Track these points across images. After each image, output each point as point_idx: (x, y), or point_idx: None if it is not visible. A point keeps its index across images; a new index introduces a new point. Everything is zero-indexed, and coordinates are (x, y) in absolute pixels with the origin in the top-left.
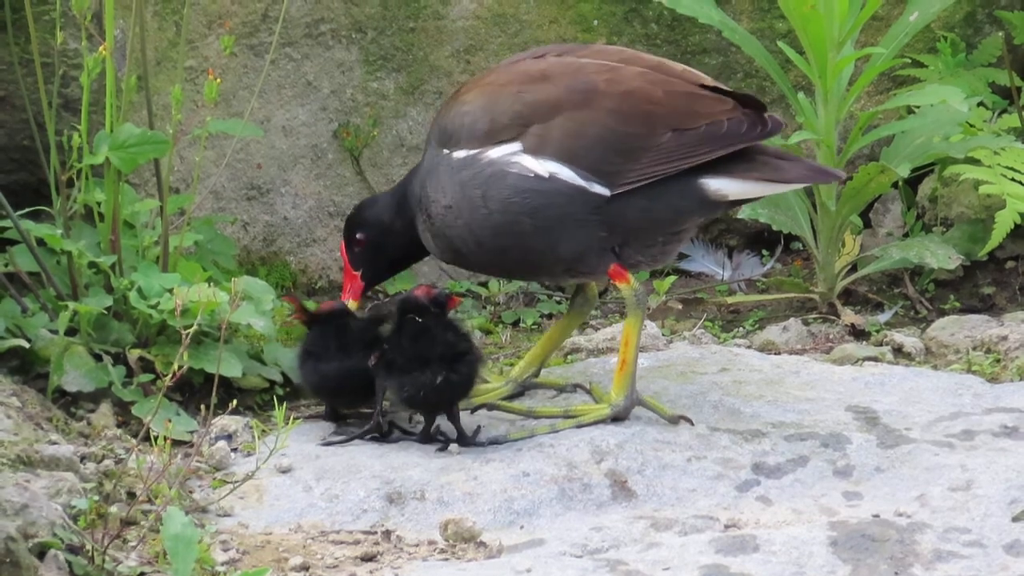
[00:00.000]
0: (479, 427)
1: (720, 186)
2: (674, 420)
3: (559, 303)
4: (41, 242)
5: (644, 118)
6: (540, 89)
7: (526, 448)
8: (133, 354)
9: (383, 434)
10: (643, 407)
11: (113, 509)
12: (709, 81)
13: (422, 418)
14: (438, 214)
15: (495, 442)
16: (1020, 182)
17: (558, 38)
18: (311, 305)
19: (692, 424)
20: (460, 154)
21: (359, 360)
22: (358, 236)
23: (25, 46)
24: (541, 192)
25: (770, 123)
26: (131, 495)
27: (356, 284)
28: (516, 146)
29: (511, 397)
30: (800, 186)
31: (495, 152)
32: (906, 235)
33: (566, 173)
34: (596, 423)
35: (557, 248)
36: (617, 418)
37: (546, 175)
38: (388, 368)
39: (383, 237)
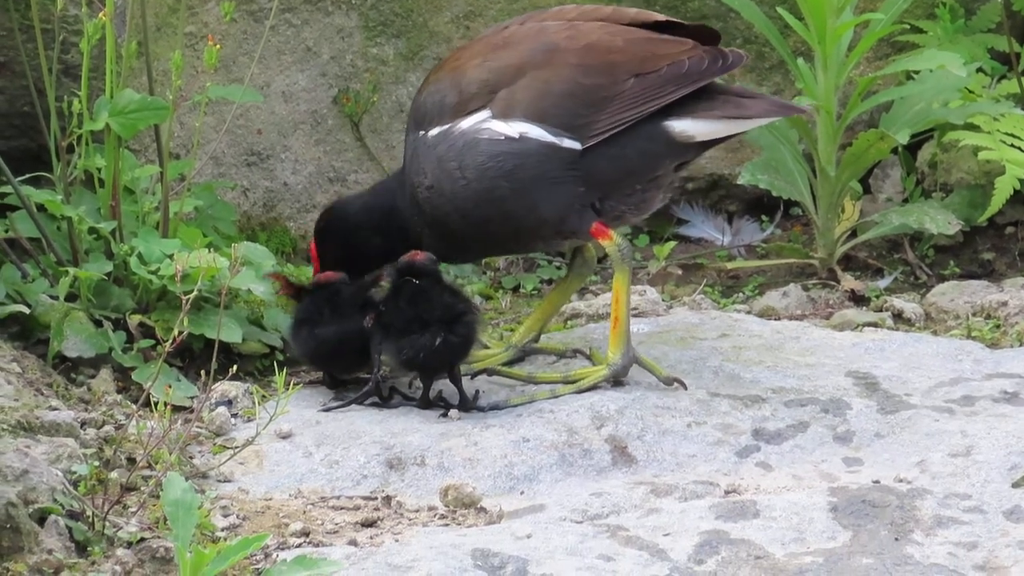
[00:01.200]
0: (478, 392)
1: (685, 127)
2: (668, 382)
3: (559, 268)
4: (41, 208)
5: (606, 68)
6: (504, 55)
7: (526, 414)
8: (133, 320)
9: (383, 399)
10: (639, 366)
11: (113, 475)
12: (661, 17)
13: (421, 383)
14: (425, 199)
15: (495, 407)
16: (1019, 148)
17: (556, 3)
18: (298, 271)
19: (685, 388)
20: (434, 131)
21: (354, 323)
22: (334, 249)
23: (25, 12)
24: (514, 154)
25: (731, 56)
26: (131, 461)
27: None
28: (485, 113)
29: (511, 362)
30: (765, 121)
31: (466, 122)
32: (906, 201)
33: (536, 132)
34: (596, 385)
35: (538, 209)
36: (616, 377)
37: (516, 136)
38: (386, 331)
39: (361, 245)
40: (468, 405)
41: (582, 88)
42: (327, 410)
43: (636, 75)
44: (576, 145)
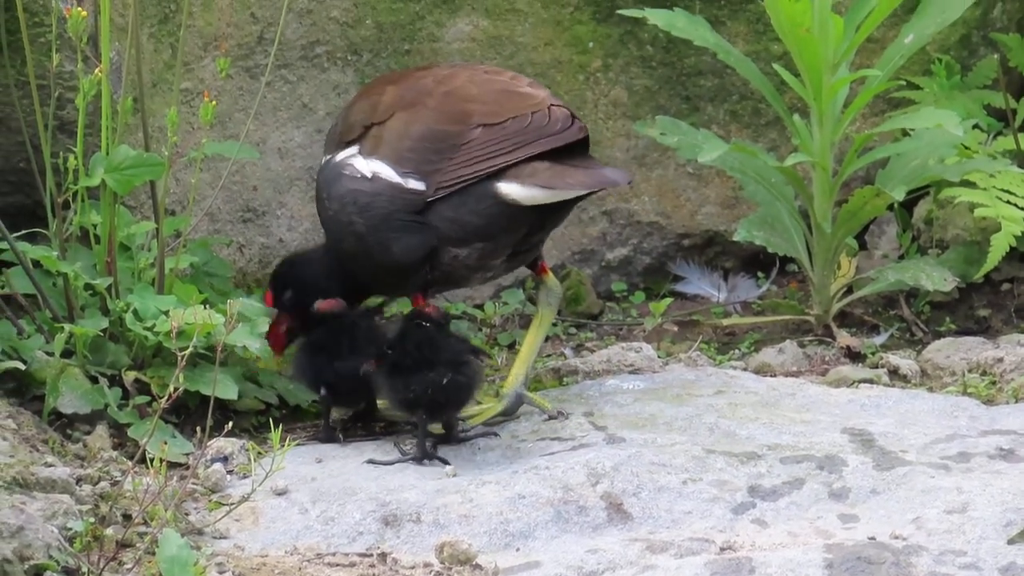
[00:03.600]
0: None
1: (509, 190)
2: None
3: (554, 325)
4: (37, 264)
5: (459, 116)
6: (387, 92)
7: (522, 470)
8: (129, 376)
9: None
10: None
11: (109, 531)
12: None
13: (413, 441)
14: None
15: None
16: (1015, 205)
17: (553, 60)
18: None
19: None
20: (323, 159)
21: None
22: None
23: (21, 68)
24: (366, 191)
25: (576, 126)
26: (127, 517)
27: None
28: (355, 148)
29: (507, 412)
30: (579, 192)
31: (340, 154)
32: (901, 257)
33: (387, 172)
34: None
35: (391, 250)
36: (508, 412)
37: (370, 175)
38: (393, 370)
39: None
40: (455, 437)
41: (434, 133)
42: (346, 442)
43: (483, 125)
44: (422, 187)
